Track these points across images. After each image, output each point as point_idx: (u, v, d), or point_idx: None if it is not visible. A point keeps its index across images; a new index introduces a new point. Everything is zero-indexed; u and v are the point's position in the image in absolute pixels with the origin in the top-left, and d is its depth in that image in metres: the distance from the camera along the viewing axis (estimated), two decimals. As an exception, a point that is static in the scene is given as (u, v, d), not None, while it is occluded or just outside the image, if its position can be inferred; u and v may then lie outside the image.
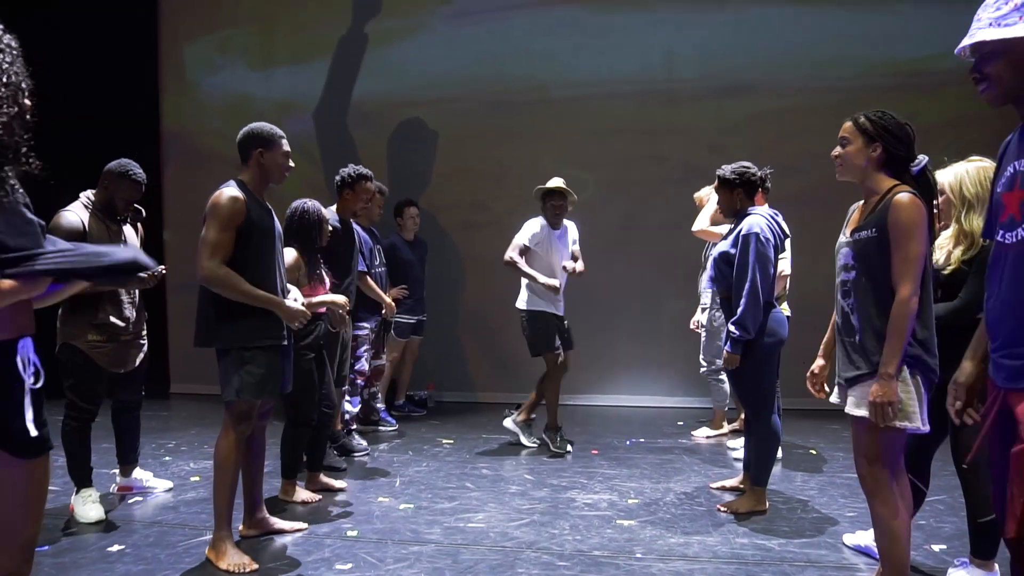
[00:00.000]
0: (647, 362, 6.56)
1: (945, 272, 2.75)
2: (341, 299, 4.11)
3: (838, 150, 2.51)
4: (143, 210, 3.84)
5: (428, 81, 6.85)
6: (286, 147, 3.19)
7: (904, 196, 2.33)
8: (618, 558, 3.11)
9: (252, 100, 7.13)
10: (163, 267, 3.74)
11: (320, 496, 3.91)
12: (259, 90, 7.15)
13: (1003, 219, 1.93)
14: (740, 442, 4.90)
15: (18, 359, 1.62)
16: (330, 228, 4.08)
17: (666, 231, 6.20)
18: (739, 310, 3.52)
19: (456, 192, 6.87)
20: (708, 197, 4.96)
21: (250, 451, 3.27)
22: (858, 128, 2.46)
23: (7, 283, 1.53)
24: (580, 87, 6.69)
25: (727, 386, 5.39)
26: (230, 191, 3.02)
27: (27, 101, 1.73)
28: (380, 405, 5.68)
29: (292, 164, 3.23)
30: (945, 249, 2.78)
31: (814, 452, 4.88)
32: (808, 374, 2.78)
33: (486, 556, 3.13)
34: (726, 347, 3.58)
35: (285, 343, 3.14)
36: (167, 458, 4.74)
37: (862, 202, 2.53)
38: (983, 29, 1.82)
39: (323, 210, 3.95)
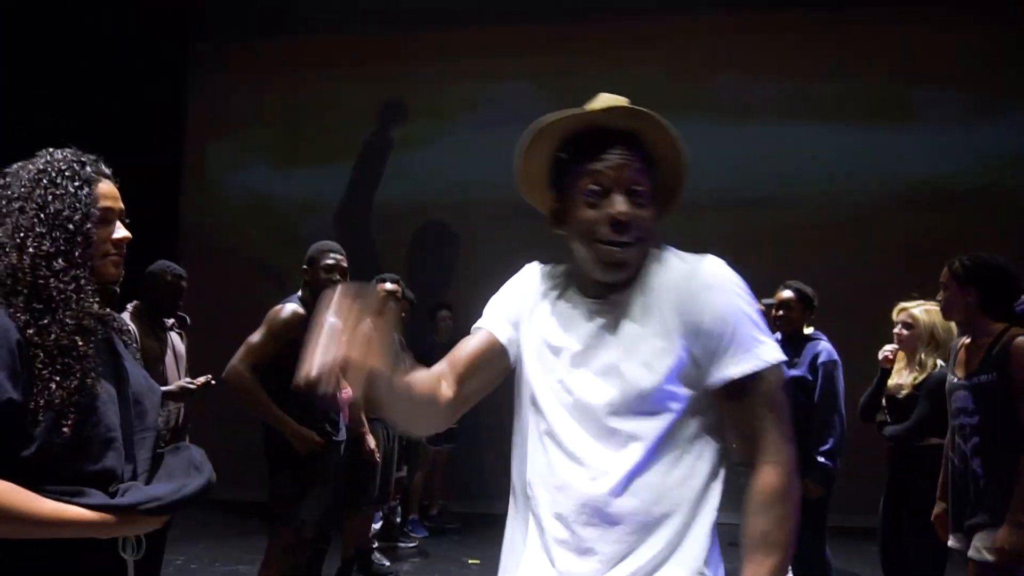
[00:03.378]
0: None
1: (899, 397, 3.02)
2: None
3: (941, 294, 2.54)
4: (187, 317, 3.72)
5: (451, 185, 6.89)
6: (328, 261, 3.17)
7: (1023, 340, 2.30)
8: None
9: (273, 199, 7.14)
10: (210, 376, 3.61)
11: None
12: (281, 189, 7.16)
13: None
14: None
15: None
16: None
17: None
18: (831, 440, 3.32)
19: (478, 298, 6.74)
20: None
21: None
22: (952, 274, 2.49)
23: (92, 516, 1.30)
24: (602, 195, 6.78)
25: None
26: (292, 306, 3.07)
27: (87, 234, 1.36)
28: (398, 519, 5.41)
29: (338, 277, 3.18)
30: (898, 378, 3.06)
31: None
32: (933, 518, 2.65)
33: None
34: (812, 481, 3.27)
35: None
36: (177, 579, 4.42)
37: (967, 339, 2.51)
38: None
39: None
